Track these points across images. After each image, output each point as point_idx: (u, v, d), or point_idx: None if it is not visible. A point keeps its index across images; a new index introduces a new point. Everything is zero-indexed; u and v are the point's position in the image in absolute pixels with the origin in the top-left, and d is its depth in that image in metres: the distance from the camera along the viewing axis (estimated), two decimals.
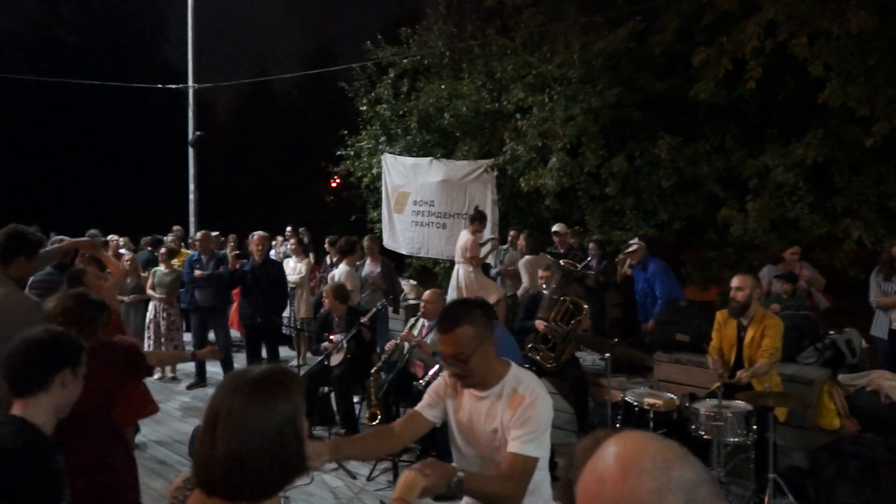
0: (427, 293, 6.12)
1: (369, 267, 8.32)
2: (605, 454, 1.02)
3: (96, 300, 3.17)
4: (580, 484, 1.04)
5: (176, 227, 11.54)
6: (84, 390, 2.39)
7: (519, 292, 8.31)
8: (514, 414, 2.31)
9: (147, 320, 8.31)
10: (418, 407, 2.57)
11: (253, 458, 1.37)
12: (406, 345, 5.96)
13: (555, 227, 8.83)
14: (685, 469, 0.97)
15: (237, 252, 7.82)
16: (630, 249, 7.50)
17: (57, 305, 3.06)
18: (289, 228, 10.92)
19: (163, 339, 8.25)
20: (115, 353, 3.27)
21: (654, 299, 7.21)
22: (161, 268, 8.44)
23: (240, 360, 8.33)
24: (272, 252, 10.35)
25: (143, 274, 8.55)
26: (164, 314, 8.27)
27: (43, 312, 3.10)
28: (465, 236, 8.43)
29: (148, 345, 8.27)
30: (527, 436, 2.26)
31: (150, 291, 8.30)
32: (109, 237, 10.04)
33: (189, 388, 8.16)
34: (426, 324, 5.95)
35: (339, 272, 8.09)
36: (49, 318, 2.95)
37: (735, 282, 4.95)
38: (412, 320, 6.31)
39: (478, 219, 8.43)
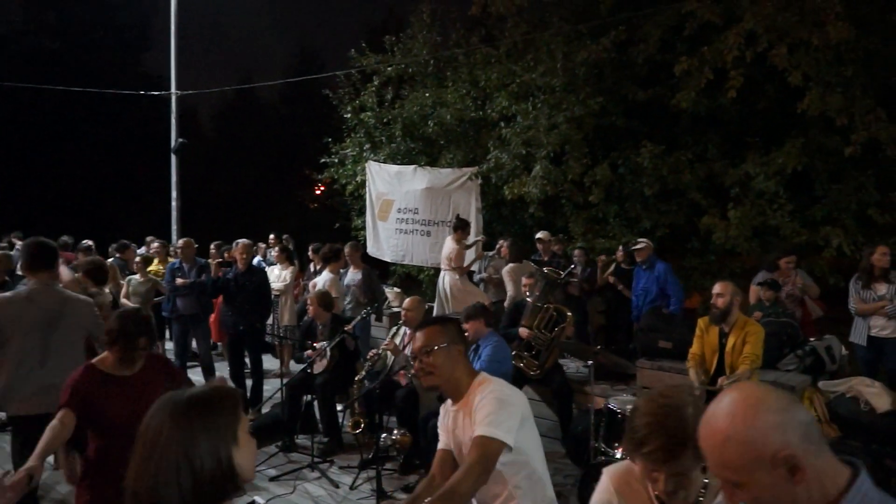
0: (407, 301, 6.11)
1: (352, 274, 8.28)
2: (730, 398, 1.31)
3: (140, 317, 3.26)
4: (706, 423, 1.33)
5: (150, 239, 11.36)
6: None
7: (506, 303, 8.31)
8: (476, 408, 2.37)
9: None
10: (440, 445, 2.62)
11: (165, 487, 1.37)
12: (389, 354, 5.93)
13: (538, 235, 8.86)
14: (801, 411, 1.28)
15: (220, 260, 7.75)
16: (637, 247, 7.54)
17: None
18: (272, 236, 10.86)
19: None
20: (165, 365, 3.46)
21: (654, 298, 7.25)
22: (137, 276, 8.35)
23: (222, 369, 8.26)
24: (256, 259, 10.27)
25: (121, 282, 8.45)
26: None
27: None
28: (449, 244, 8.42)
29: None
30: (485, 419, 2.30)
31: (124, 300, 8.20)
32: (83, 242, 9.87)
33: None
34: (408, 332, 5.93)
35: (323, 279, 8.04)
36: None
37: (716, 288, 4.98)
38: (394, 329, 6.29)
39: (460, 227, 8.44)
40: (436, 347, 2.45)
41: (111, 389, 3.08)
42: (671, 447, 1.73)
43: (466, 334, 5.34)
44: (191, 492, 1.38)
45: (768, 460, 1.25)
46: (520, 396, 2.45)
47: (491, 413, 2.31)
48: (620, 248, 8.42)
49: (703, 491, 1.83)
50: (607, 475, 2.06)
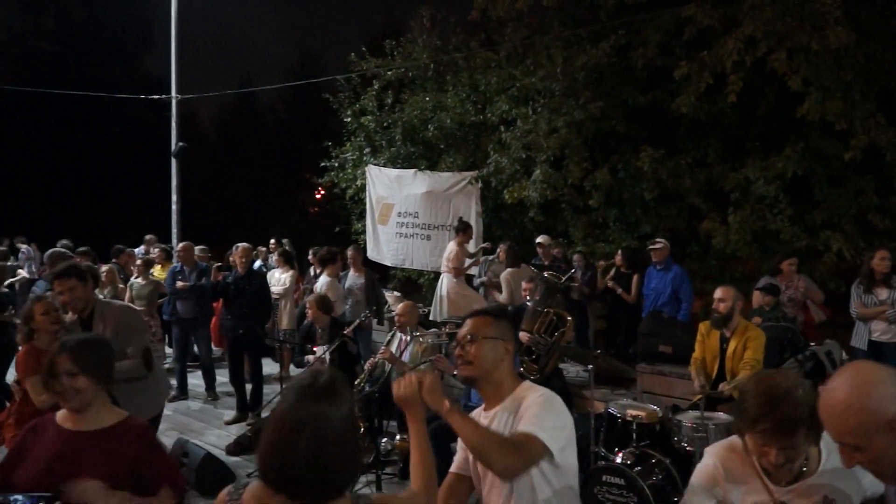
0: (400, 306, 6.10)
1: (353, 278, 8.29)
2: (849, 373, 1.61)
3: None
4: (827, 396, 1.60)
5: (149, 238, 11.35)
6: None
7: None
8: (526, 407, 2.22)
9: None
10: (453, 467, 2.48)
11: (333, 461, 1.52)
12: (386, 363, 5.90)
13: (538, 239, 8.86)
14: None
15: (220, 264, 7.76)
16: (655, 247, 7.53)
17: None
18: (272, 241, 10.85)
19: None
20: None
21: (665, 300, 7.25)
22: (139, 280, 8.35)
23: (222, 373, 8.26)
24: (256, 263, 10.27)
25: (120, 286, 8.45)
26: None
27: None
28: (451, 247, 8.45)
29: None
30: (534, 418, 2.15)
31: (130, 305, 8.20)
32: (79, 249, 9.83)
33: (170, 400, 8.04)
34: (404, 337, 5.93)
35: (322, 283, 8.05)
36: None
37: (718, 293, 4.98)
38: (389, 335, 6.27)
39: (462, 229, 8.46)
40: (482, 337, 2.29)
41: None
42: (784, 425, 1.89)
43: None
44: (352, 466, 1.58)
45: (885, 425, 1.51)
46: (570, 415, 2.29)
47: (542, 415, 2.16)
48: (619, 252, 8.42)
49: (805, 461, 2.03)
50: (711, 453, 2.20)
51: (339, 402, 1.55)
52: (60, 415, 2.47)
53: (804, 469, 2.03)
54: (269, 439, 1.53)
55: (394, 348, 5.91)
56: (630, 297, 8.02)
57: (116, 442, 2.41)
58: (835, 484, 2.01)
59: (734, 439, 2.16)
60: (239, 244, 7.93)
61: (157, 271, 9.08)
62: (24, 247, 11.52)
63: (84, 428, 2.41)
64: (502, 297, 8.08)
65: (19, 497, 1.90)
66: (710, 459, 2.17)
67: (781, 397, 1.91)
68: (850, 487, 2.03)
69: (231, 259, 8.06)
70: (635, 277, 8.03)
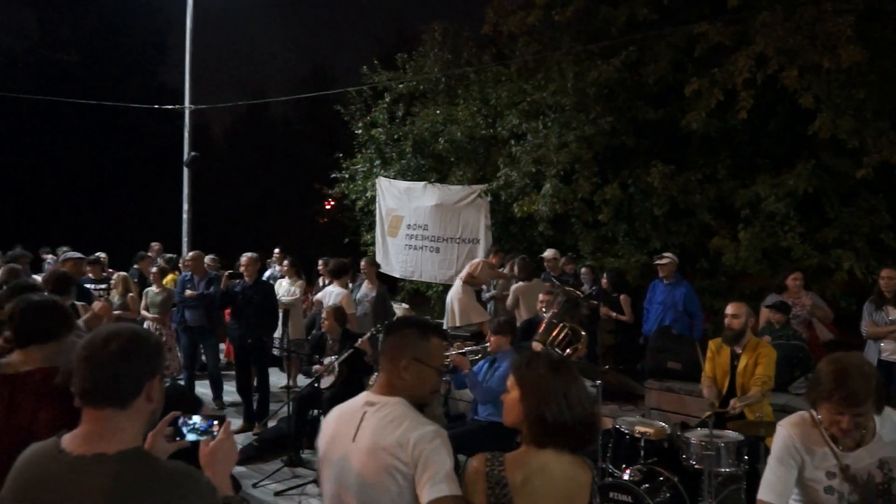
0: (398, 317, 6.08)
1: (366, 290, 8.29)
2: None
3: None
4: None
5: (156, 248, 11.38)
6: None
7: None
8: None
9: None
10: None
11: (591, 412, 2.02)
12: None
13: (545, 254, 8.84)
14: None
15: (230, 272, 7.76)
16: (662, 262, 7.51)
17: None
18: (276, 251, 10.72)
19: None
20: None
21: (676, 316, 7.22)
22: (153, 288, 8.38)
23: (229, 381, 8.26)
24: (267, 272, 10.28)
25: (131, 294, 8.48)
26: (158, 334, 8.21)
27: None
28: (480, 258, 8.57)
29: None
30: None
31: (143, 312, 8.24)
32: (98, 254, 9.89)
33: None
34: None
35: (331, 293, 8.04)
36: None
37: (730, 309, 4.95)
38: None
39: (496, 252, 8.69)
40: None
41: None
42: (856, 394, 2.21)
43: (489, 346, 5.35)
44: (562, 426, 1.97)
45: None
46: None
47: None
48: (605, 275, 8.39)
49: (864, 431, 2.35)
50: (784, 425, 2.53)
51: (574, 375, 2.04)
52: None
53: (863, 437, 2.36)
54: (534, 402, 1.98)
55: None
56: (627, 318, 7.99)
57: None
58: (888, 448, 2.37)
59: (803, 413, 2.51)
60: (245, 254, 7.96)
61: (167, 280, 9.13)
62: (48, 257, 11.56)
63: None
64: (510, 306, 8.06)
65: (196, 419, 1.92)
66: (785, 430, 2.49)
67: (852, 371, 2.24)
68: None
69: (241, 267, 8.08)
70: (623, 298, 8.01)
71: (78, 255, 8.06)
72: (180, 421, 1.92)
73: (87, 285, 8.51)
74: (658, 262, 7.59)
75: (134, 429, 1.68)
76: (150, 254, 11.03)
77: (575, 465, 1.98)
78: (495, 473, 1.92)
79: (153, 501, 1.56)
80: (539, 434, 1.96)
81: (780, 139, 8.94)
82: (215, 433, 1.89)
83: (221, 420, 1.92)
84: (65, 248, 10.51)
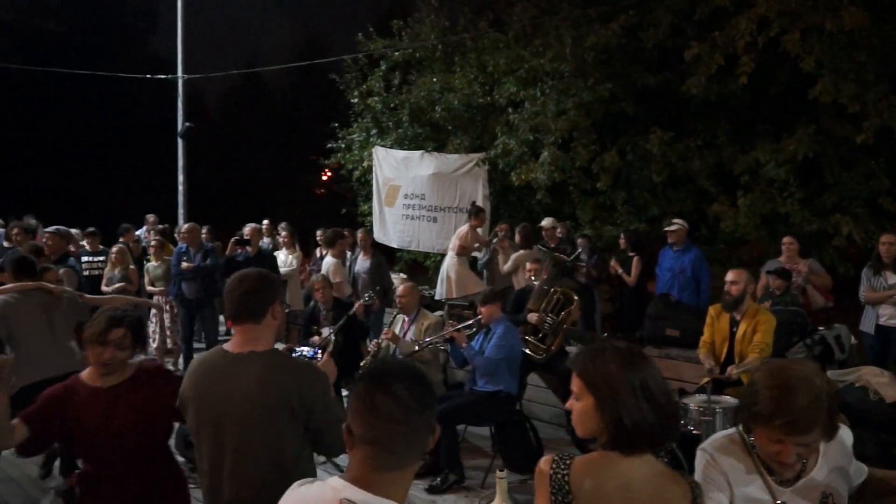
0: (401, 287, 6.08)
1: (361, 261, 8.28)
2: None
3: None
4: None
5: (152, 220, 11.27)
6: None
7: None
8: None
9: (152, 312, 8.30)
10: None
11: (674, 403, 1.71)
12: (391, 344, 5.90)
13: (542, 223, 8.80)
14: None
15: (237, 237, 7.66)
16: (671, 229, 7.48)
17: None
18: (265, 222, 10.53)
19: (168, 332, 8.30)
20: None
21: (684, 282, 7.21)
22: (153, 262, 8.38)
23: None
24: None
25: (130, 266, 8.46)
26: (167, 307, 8.26)
27: None
28: (464, 228, 8.49)
29: (153, 338, 8.36)
30: None
31: (149, 288, 8.28)
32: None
33: None
34: (406, 319, 5.93)
35: (326, 263, 8.07)
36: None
37: (730, 276, 4.94)
38: (392, 317, 6.27)
39: (475, 213, 8.53)
40: None
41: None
42: (802, 419, 1.74)
43: (481, 317, 5.37)
44: (645, 428, 1.63)
45: None
46: None
47: None
48: (623, 234, 8.38)
49: (805, 460, 1.92)
50: (707, 449, 2.05)
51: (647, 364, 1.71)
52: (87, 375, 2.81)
53: (805, 466, 1.93)
54: (610, 406, 1.65)
55: (397, 329, 5.90)
56: (630, 279, 7.98)
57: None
58: (832, 479, 1.94)
59: (731, 434, 2.04)
60: (248, 224, 7.94)
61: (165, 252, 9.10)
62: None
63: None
64: (505, 271, 8.06)
65: (305, 348, 2.59)
66: (707, 456, 2.02)
67: (798, 387, 1.76)
68: (844, 480, 2.00)
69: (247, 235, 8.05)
70: (635, 260, 7.98)
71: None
72: (296, 350, 2.78)
73: (85, 258, 8.50)
74: (667, 228, 7.56)
75: (268, 337, 2.43)
76: (144, 226, 10.96)
77: (666, 481, 1.67)
78: (558, 477, 1.70)
79: (291, 378, 2.32)
80: (619, 441, 1.65)
81: (780, 104, 8.87)
82: (320, 357, 2.51)
83: (324, 349, 2.64)
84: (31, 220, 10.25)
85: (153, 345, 8.51)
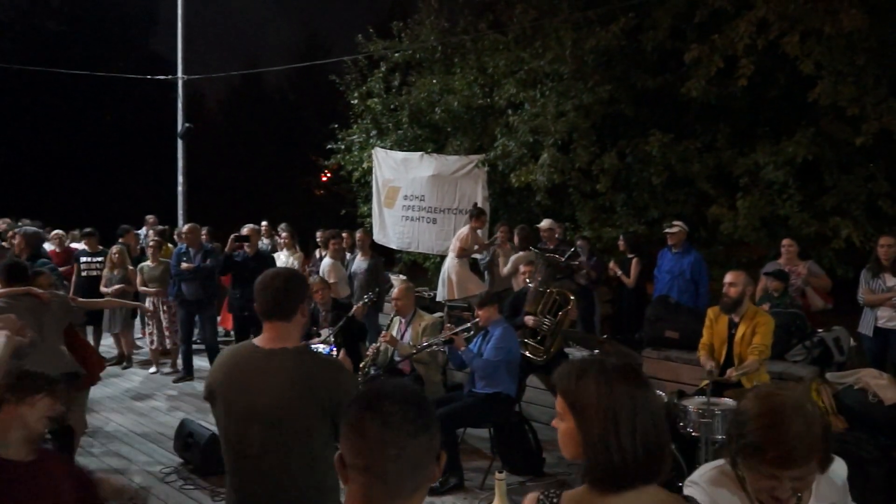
0: (396, 290, 6.00)
1: (359, 262, 8.29)
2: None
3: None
4: None
5: (151, 220, 11.27)
6: None
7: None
8: None
9: (147, 315, 8.31)
10: None
11: (664, 436, 1.46)
12: (389, 347, 5.89)
13: (540, 225, 8.79)
14: None
15: (237, 234, 7.65)
16: (672, 231, 7.47)
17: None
18: (264, 224, 10.43)
19: (167, 333, 8.29)
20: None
21: (684, 285, 7.21)
22: (149, 262, 8.37)
23: None
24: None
25: (129, 267, 8.46)
26: (164, 307, 8.24)
27: None
28: (464, 230, 8.49)
29: (150, 339, 8.40)
30: None
31: (142, 288, 8.25)
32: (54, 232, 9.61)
33: (176, 381, 8.10)
34: (402, 321, 5.92)
35: (324, 265, 8.12)
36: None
37: (728, 277, 4.94)
38: (390, 319, 6.26)
39: (476, 215, 8.55)
40: None
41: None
42: (796, 451, 1.60)
43: (479, 320, 5.37)
44: (631, 460, 1.42)
45: None
46: None
47: None
48: (622, 236, 8.39)
49: (799, 495, 1.75)
50: (700, 483, 1.89)
51: (643, 381, 1.50)
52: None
53: (798, 494, 1.74)
54: (593, 431, 1.45)
55: (394, 332, 5.89)
56: (629, 281, 7.99)
57: None
58: None
59: (723, 467, 1.87)
60: (246, 225, 7.94)
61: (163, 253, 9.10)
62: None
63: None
64: (505, 274, 8.07)
65: (321, 346, 2.66)
66: (701, 490, 1.86)
67: (790, 416, 1.61)
68: None
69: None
70: (634, 261, 8.00)
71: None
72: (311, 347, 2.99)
73: (84, 258, 8.50)
74: (668, 230, 7.56)
75: (296, 334, 2.54)
76: (144, 227, 10.97)
77: None
78: None
79: (322, 374, 2.44)
80: (603, 475, 1.44)
81: (779, 107, 8.88)
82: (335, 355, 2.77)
83: (339, 348, 2.70)
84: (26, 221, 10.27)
85: (151, 347, 8.51)
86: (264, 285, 2.50)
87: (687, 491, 1.89)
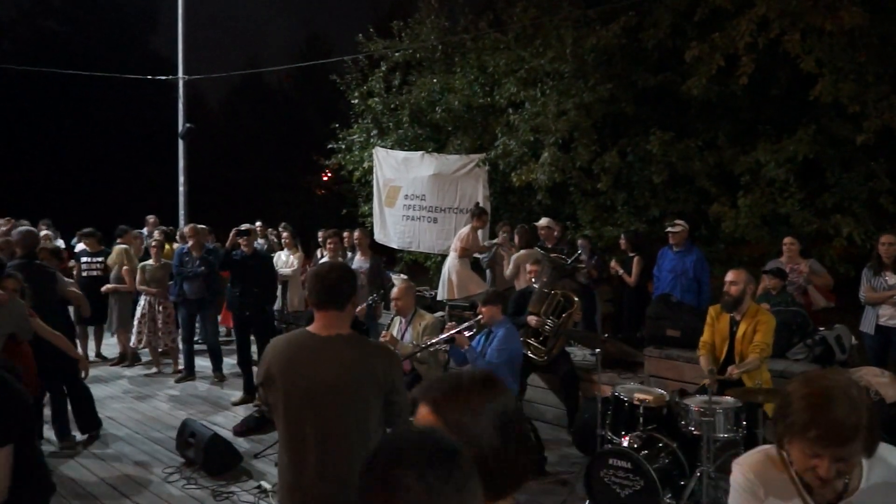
0: (396, 289, 5.95)
1: (359, 261, 8.29)
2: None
3: None
4: None
5: (152, 220, 11.27)
6: None
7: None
8: None
9: (139, 314, 8.26)
10: None
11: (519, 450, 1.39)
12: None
13: (539, 223, 8.78)
14: None
15: (238, 228, 7.63)
16: (674, 230, 7.47)
17: None
18: (258, 224, 10.38)
19: (160, 333, 8.23)
20: None
21: (686, 284, 7.21)
22: (151, 262, 8.37)
23: (228, 353, 8.30)
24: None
25: (125, 266, 8.47)
26: (160, 308, 8.22)
27: None
28: (465, 229, 8.49)
29: (140, 338, 8.28)
30: None
31: (141, 287, 8.24)
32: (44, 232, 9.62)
33: (178, 381, 8.10)
34: (402, 321, 5.91)
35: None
36: None
37: (729, 276, 4.94)
38: (390, 319, 6.25)
39: (477, 214, 8.57)
40: None
41: None
42: (839, 431, 1.62)
43: (482, 318, 5.36)
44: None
45: None
46: None
47: None
48: (623, 235, 8.39)
49: (847, 479, 1.77)
50: (743, 465, 1.95)
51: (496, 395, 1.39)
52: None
53: (846, 485, 1.77)
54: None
55: (394, 331, 5.89)
56: (630, 279, 7.99)
57: None
58: (881, 501, 1.78)
59: (768, 449, 1.92)
60: (242, 225, 7.94)
61: (165, 252, 9.11)
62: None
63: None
64: (508, 276, 8.06)
65: None
66: (746, 474, 1.92)
67: (835, 396, 1.64)
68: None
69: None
70: (636, 260, 7.99)
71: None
72: None
73: (84, 259, 8.52)
74: (670, 229, 7.55)
75: (347, 323, 2.72)
76: (145, 228, 10.98)
77: None
78: None
79: (377, 358, 2.67)
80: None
81: (780, 105, 8.86)
82: None
83: None
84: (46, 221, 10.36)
85: (139, 346, 8.42)
86: (321, 276, 2.68)
87: (733, 472, 1.97)
